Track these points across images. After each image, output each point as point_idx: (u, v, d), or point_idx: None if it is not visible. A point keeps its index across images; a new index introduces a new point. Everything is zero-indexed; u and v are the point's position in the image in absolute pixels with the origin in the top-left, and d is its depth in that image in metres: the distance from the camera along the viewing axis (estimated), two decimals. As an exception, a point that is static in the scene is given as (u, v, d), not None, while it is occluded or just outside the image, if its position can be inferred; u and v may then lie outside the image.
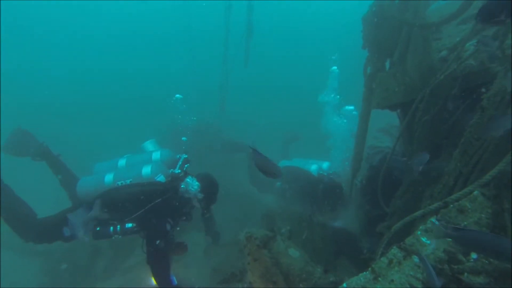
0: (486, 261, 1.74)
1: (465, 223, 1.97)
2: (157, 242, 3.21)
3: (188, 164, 3.79)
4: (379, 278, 1.75)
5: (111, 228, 3.39)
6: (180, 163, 3.73)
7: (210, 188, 3.66)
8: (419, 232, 1.97)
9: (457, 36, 3.11)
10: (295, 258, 2.44)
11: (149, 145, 4.06)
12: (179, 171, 3.62)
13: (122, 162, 3.69)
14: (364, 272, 1.82)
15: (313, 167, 5.88)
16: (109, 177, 3.48)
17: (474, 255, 1.84)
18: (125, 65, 22.86)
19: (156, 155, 3.69)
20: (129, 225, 3.40)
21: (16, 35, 19.60)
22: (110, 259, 4.84)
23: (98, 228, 3.42)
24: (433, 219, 1.97)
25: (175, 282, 3.24)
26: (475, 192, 2.08)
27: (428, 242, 1.91)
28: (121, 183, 3.44)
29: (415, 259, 1.82)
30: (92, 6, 22.89)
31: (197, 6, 18.98)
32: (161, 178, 3.46)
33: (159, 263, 3.26)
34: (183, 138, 3.86)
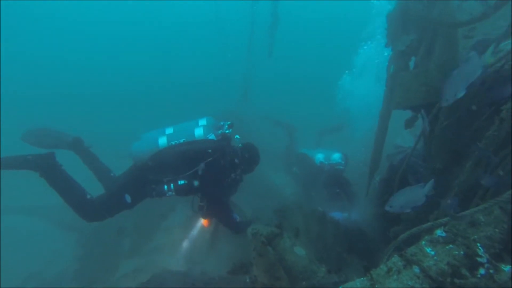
0: (491, 279, 1.68)
1: (475, 236, 1.90)
2: (223, 198, 3.51)
3: (231, 129, 3.86)
4: (376, 286, 1.76)
5: (165, 186, 3.48)
6: (226, 126, 3.82)
7: (252, 156, 3.84)
8: (423, 242, 1.93)
9: (492, 35, 2.89)
10: (300, 256, 2.50)
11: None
12: (228, 130, 3.74)
13: (169, 130, 3.70)
14: (362, 278, 1.84)
15: (318, 156, 5.87)
16: (162, 139, 3.53)
17: (482, 271, 1.79)
18: (146, 57, 23.43)
19: (203, 121, 3.77)
20: (182, 182, 3.46)
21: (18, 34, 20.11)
22: (134, 239, 5.18)
23: (153, 186, 3.53)
24: (438, 231, 1.93)
25: (238, 218, 3.52)
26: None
27: (433, 253, 1.87)
28: (175, 142, 3.52)
29: (416, 269, 1.80)
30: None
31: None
32: (212, 137, 3.58)
33: (224, 216, 3.52)
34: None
